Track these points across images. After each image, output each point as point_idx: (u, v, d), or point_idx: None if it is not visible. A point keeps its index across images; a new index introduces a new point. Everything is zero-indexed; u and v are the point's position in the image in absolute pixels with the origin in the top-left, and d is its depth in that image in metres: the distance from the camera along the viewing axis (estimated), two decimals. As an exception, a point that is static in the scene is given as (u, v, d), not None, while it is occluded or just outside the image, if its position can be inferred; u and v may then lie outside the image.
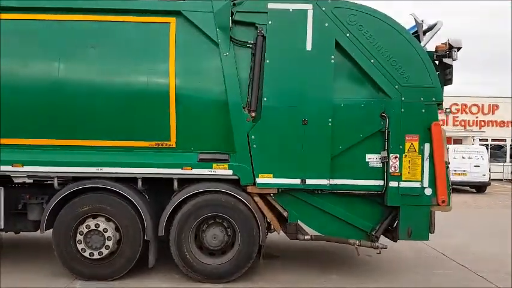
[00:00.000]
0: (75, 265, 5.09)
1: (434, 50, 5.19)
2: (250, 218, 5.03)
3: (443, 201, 4.99)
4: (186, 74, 5.06)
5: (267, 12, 4.99)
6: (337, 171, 5.09)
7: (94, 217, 5.08)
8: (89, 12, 5.00)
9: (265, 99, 4.99)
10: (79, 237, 5.03)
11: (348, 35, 4.97)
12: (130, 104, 5.04)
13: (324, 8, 4.96)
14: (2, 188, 5.25)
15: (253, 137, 4.99)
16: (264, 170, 5.02)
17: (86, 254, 5.02)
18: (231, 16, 4.99)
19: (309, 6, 4.96)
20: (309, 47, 4.99)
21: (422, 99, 4.99)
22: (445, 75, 5.30)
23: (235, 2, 5.02)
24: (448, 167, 5.05)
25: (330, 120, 4.99)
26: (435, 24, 5.31)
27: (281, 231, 5.28)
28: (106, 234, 5.01)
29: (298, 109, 5.00)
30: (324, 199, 5.18)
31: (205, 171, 5.06)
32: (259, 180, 5.02)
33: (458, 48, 5.23)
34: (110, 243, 5.00)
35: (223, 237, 5.12)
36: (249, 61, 5.03)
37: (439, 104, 5.17)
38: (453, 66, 5.13)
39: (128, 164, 5.07)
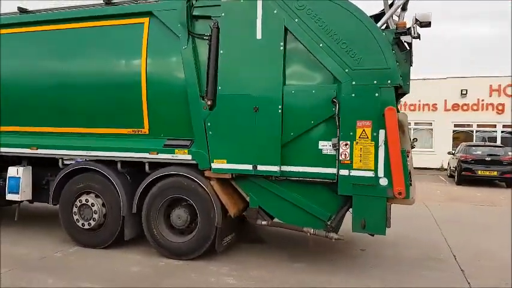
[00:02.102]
0: (73, 233, 6.05)
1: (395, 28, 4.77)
2: (208, 200, 5.33)
3: (400, 193, 4.59)
4: (155, 67, 5.57)
5: (220, 5, 5.20)
6: (289, 158, 5.06)
7: (87, 193, 5.95)
8: (75, 20, 5.88)
9: (219, 88, 5.22)
10: (75, 209, 5.97)
11: (296, 20, 4.90)
12: (112, 96, 5.76)
13: (273, -5, 4.97)
14: (30, 167, 6.50)
15: (209, 124, 5.27)
16: (219, 155, 5.26)
17: (79, 224, 5.93)
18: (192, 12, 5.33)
19: (258, -5, 5.03)
20: (259, 35, 5.05)
21: (375, 82, 4.65)
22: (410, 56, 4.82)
23: (194, -2, 5.33)
24: (406, 155, 4.61)
25: (279, 107, 4.98)
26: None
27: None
28: (93, 208, 5.84)
29: (250, 97, 5.10)
30: (282, 186, 5.19)
31: (169, 156, 5.52)
32: (214, 165, 5.28)
33: (427, 24, 4.73)
34: (96, 216, 5.83)
35: (186, 217, 5.51)
36: (208, 53, 5.30)
37: (399, 87, 4.75)
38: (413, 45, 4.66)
39: (110, 149, 5.81)
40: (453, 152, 17.91)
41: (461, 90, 21.70)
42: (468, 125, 22.01)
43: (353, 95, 4.73)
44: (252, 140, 5.12)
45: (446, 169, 19.72)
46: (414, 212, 8.93)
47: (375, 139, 4.67)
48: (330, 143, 4.88)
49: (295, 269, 5.27)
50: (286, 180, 5.14)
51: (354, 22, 4.73)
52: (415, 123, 21.90)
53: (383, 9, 5.15)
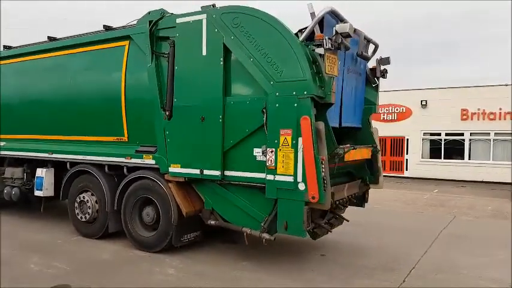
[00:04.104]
0: (76, 224, 7.19)
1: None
2: (167, 201, 6.00)
3: (313, 198, 4.80)
4: (131, 83, 6.44)
5: (175, 26, 5.90)
6: (231, 164, 5.53)
7: (86, 191, 7.05)
8: (69, 48, 7.09)
9: (175, 100, 5.90)
10: (76, 204, 7.10)
11: (232, 37, 5.37)
12: (103, 109, 6.78)
13: (214, 16, 5.52)
14: (53, 168, 7.84)
15: (167, 132, 5.97)
16: (175, 160, 5.92)
17: (79, 217, 7.04)
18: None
19: (203, 16, 5.62)
20: (204, 52, 5.63)
21: (294, 93, 4.93)
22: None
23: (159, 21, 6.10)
24: (320, 162, 4.79)
25: (220, 117, 5.49)
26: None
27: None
28: (88, 204, 6.90)
29: (198, 108, 5.69)
30: (228, 189, 5.66)
31: (139, 161, 6.33)
32: (171, 169, 5.95)
33: (346, 35, 4.88)
34: (89, 210, 6.88)
35: (153, 215, 6.24)
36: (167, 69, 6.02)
37: (322, 98, 4.96)
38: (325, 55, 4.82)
39: (100, 154, 6.83)
40: None
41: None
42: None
43: (277, 105, 5.05)
44: (199, 146, 5.69)
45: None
46: (426, 226, 8.66)
47: (295, 146, 4.93)
48: (261, 149, 5.24)
49: (240, 267, 5.67)
50: (230, 184, 5.60)
51: (276, 37, 5.07)
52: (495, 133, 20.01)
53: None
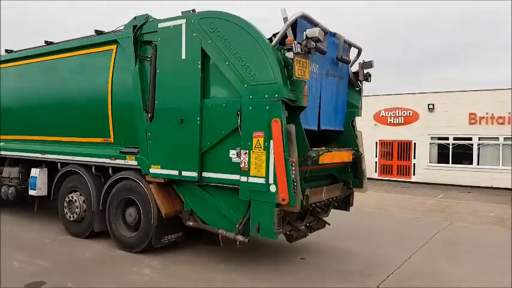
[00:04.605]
0: (65, 224, 7.35)
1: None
2: (147, 201, 6.10)
3: (283, 200, 4.83)
4: (116, 86, 6.57)
5: (157, 31, 6.01)
6: (208, 165, 5.59)
7: (74, 191, 7.20)
8: (61, 52, 7.26)
9: (156, 102, 6.01)
10: (65, 204, 7.25)
11: (209, 41, 5.45)
12: (89, 110, 6.95)
13: (192, 21, 5.61)
14: (47, 168, 8.03)
15: (149, 134, 6.08)
16: (155, 162, 6.02)
17: (68, 217, 7.19)
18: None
19: (183, 21, 5.71)
20: (183, 56, 5.72)
21: (266, 96, 4.98)
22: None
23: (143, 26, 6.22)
24: (290, 164, 4.82)
25: (198, 119, 5.57)
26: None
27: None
28: (76, 204, 7.05)
29: (177, 110, 5.78)
30: (206, 190, 5.73)
31: (122, 162, 6.45)
32: (151, 170, 6.04)
33: (316, 40, 4.91)
34: (77, 210, 7.03)
35: (135, 216, 6.33)
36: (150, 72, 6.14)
37: (294, 101, 4.99)
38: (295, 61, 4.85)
39: (87, 155, 6.98)
40: None
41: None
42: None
43: (250, 108, 5.11)
44: (178, 148, 5.78)
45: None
46: (418, 231, 8.60)
47: (267, 148, 4.97)
48: (235, 151, 5.29)
49: (217, 269, 5.72)
50: (207, 186, 5.67)
51: (249, 41, 5.13)
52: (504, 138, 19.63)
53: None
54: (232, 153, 5.37)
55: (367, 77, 6.73)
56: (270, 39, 5.17)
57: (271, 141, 4.93)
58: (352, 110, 6.65)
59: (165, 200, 6.03)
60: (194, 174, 5.63)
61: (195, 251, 6.53)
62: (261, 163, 5.02)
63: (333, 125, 6.30)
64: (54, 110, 7.53)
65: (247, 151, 5.13)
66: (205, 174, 5.62)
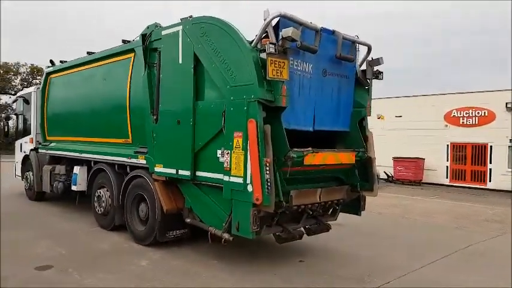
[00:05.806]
0: (95, 216, 8.09)
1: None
2: (153, 198, 6.48)
3: (257, 199, 4.85)
4: (133, 90, 7.10)
5: (161, 38, 6.37)
6: (200, 164, 5.81)
7: (102, 187, 7.89)
8: (95, 61, 8.04)
9: (160, 105, 6.37)
10: (95, 198, 7.97)
11: (199, 45, 5.67)
12: (114, 113, 7.57)
13: (187, 27, 5.88)
14: (86, 166, 8.88)
15: (154, 135, 6.47)
16: (159, 161, 6.38)
17: (97, 210, 7.90)
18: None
19: (180, 28, 6.01)
20: (180, 60, 6.01)
21: (245, 97, 5.05)
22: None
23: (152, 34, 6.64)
24: (264, 165, 4.82)
25: (191, 120, 5.81)
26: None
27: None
28: (102, 199, 7.72)
29: (175, 112, 6.08)
30: (201, 189, 5.95)
31: (135, 161, 6.93)
32: (156, 169, 6.42)
33: (291, 40, 4.87)
34: (103, 204, 7.71)
35: (146, 211, 6.76)
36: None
37: (272, 101, 5.00)
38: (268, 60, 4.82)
39: (111, 154, 7.61)
40: None
41: None
42: None
43: (231, 108, 5.21)
44: (176, 148, 6.08)
45: None
46: (449, 242, 8.01)
47: (245, 149, 5.03)
48: (220, 151, 5.43)
49: (209, 265, 5.90)
50: (202, 184, 5.88)
51: (230, 43, 5.24)
52: None
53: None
54: (219, 153, 5.51)
55: (377, 75, 6.44)
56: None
57: (249, 142, 4.98)
58: (359, 109, 6.40)
59: (167, 197, 6.36)
60: (188, 173, 5.87)
61: (199, 246, 6.73)
62: (240, 163, 5.10)
63: (333, 125, 6.13)
64: (89, 114, 8.34)
65: (229, 151, 5.24)
66: (198, 173, 5.84)
